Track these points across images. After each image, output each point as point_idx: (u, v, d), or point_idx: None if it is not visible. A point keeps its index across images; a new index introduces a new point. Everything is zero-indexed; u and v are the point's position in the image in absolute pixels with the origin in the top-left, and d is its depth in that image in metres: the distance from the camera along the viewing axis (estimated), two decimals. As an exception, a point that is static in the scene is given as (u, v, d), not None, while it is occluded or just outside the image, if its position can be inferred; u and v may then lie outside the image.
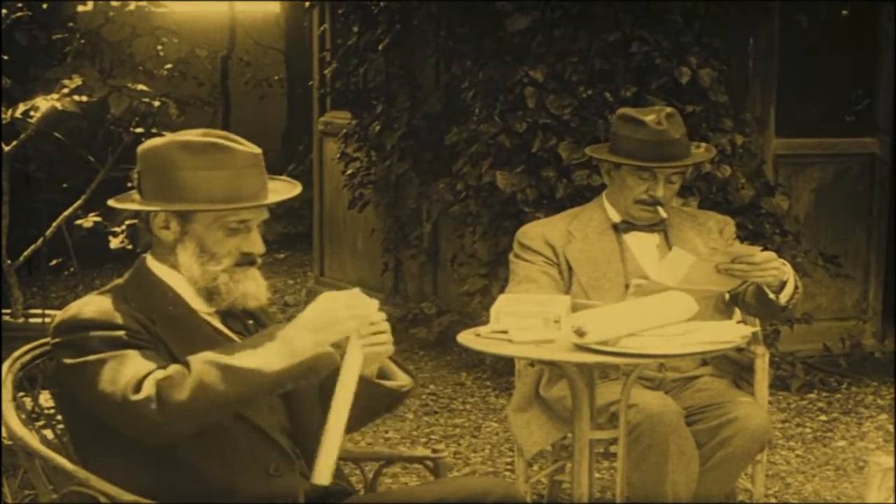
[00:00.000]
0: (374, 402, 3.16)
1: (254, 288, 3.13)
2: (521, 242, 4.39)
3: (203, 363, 2.83)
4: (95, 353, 2.89)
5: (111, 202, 3.16)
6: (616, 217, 4.39)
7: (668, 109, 4.42)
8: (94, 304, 2.99)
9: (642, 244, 4.38)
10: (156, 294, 3.07)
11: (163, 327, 3.01)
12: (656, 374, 4.29)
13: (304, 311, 2.97)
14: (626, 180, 4.34)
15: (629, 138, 4.32)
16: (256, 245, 3.11)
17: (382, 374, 3.21)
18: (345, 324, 2.94)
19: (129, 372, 2.83)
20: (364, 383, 3.05)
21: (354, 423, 3.09)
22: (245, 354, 2.86)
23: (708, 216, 4.57)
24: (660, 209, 4.33)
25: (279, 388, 2.91)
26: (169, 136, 3.11)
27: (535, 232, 4.41)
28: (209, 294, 3.09)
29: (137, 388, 2.80)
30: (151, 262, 3.12)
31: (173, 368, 2.83)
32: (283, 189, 3.16)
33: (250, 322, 3.21)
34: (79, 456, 3.07)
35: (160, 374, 2.82)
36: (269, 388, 2.89)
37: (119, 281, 3.13)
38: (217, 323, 3.12)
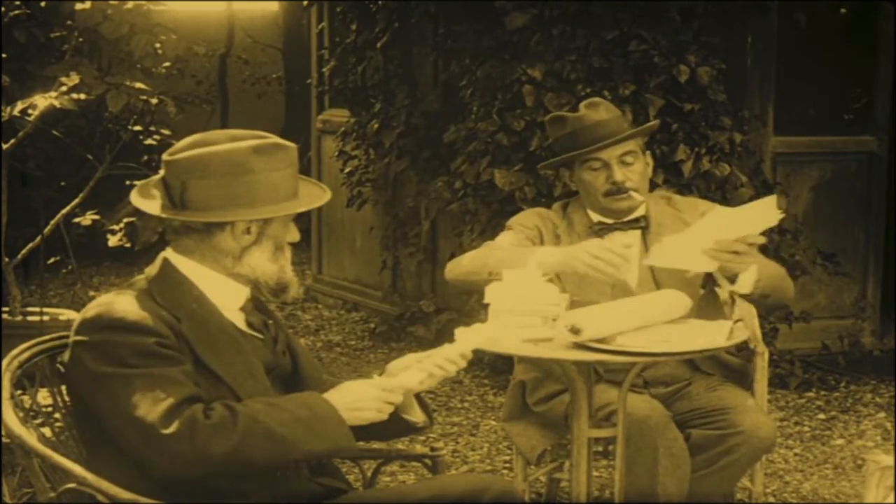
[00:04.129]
0: (379, 423, 3.17)
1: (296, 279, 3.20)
2: (511, 225, 4.37)
3: (249, 420, 2.83)
4: (125, 366, 2.86)
5: (147, 208, 3.07)
6: (595, 218, 4.33)
7: (592, 99, 4.38)
8: (122, 304, 2.96)
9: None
10: (181, 291, 3.05)
11: (188, 325, 2.99)
12: (642, 391, 4.26)
13: (341, 388, 3.02)
14: (583, 178, 4.29)
15: (559, 137, 4.31)
16: (295, 234, 3.18)
17: (402, 406, 3.21)
18: (368, 412, 2.98)
19: (159, 399, 2.80)
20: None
21: (356, 436, 3.12)
22: (286, 421, 2.87)
23: (691, 207, 4.41)
24: (634, 195, 4.23)
25: (298, 463, 2.98)
26: (217, 143, 3.05)
27: (527, 219, 4.38)
28: (282, 287, 3.13)
29: (168, 420, 2.78)
30: (177, 258, 3.10)
31: (219, 414, 2.82)
32: (306, 183, 3.21)
33: (270, 322, 3.22)
34: (86, 452, 3.08)
35: (201, 415, 2.81)
36: (293, 462, 2.96)
37: (140, 277, 3.10)
38: (241, 323, 3.13)
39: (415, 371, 3.09)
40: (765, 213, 3.81)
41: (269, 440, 2.83)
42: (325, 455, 2.95)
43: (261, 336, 3.16)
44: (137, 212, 3.15)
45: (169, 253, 3.11)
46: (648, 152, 4.39)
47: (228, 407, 2.84)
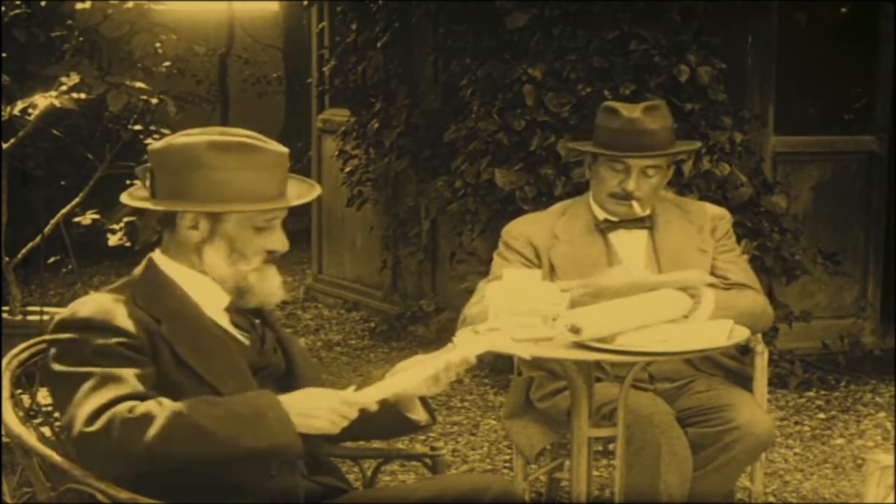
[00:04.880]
0: (380, 421, 3.15)
1: (276, 285, 3.14)
2: (505, 241, 4.37)
3: (174, 414, 2.77)
4: (82, 365, 2.86)
5: (126, 200, 3.11)
6: (601, 215, 4.34)
7: (654, 102, 4.37)
8: (93, 304, 2.97)
9: (628, 244, 4.32)
10: (163, 292, 3.05)
11: (169, 327, 2.98)
12: (647, 386, 4.27)
13: (301, 392, 2.93)
14: (601, 172, 4.29)
15: (604, 128, 4.29)
16: (281, 243, 3.12)
17: (404, 404, 3.21)
18: (319, 420, 2.88)
19: (97, 399, 2.79)
20: (382, 406, 3.06)
21: (350, 431, 3.10)
22: (220, 417, 2.80)
23: (702, 211, 4.46)
24: (635, 205, 4.25)
25: (238, 463, 2.87)
26: (190, 136, 3.06)
27: (519, 231, 4.37)
28: (240, 293, 3.09)
29: (93, 419, 2.76)
30: (161, 259, 3.11)
31: (143, 408, 2.78)
32: (303, 188, 3.17)
33: (257, 321, 3.20)
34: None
35: (124, 411, 2.77)
36: (226, 460, 2.84)
37: (129, 278, 3.11)
38: (225, 323, 3.11)
39: (412, 374, 3.06)
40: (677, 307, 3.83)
41: (193, 435, 2.76)
42: (264, 453, 2.84)
43: (247, 336, 3.14)
44: (137, 211, 3.14)
45: (155, 253, 3.13)
46: (674, 166, 4.39)
47: (159, 403, 2.80)
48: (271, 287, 3.12)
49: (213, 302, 3.10)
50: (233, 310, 3.13)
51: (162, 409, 2.78)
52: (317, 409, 2.88)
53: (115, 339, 2.89)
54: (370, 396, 2.96)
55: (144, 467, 2.80)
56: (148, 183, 3.05)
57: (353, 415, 2.92)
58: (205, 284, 3.08)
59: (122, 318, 2.94)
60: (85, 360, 2.87)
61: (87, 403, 2.79)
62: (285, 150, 3.12)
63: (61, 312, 3.01)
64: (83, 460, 2.84)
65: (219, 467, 2.87)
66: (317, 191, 3.19)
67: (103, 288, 3.11)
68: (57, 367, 2.91)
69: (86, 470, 2.84)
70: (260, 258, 3.09)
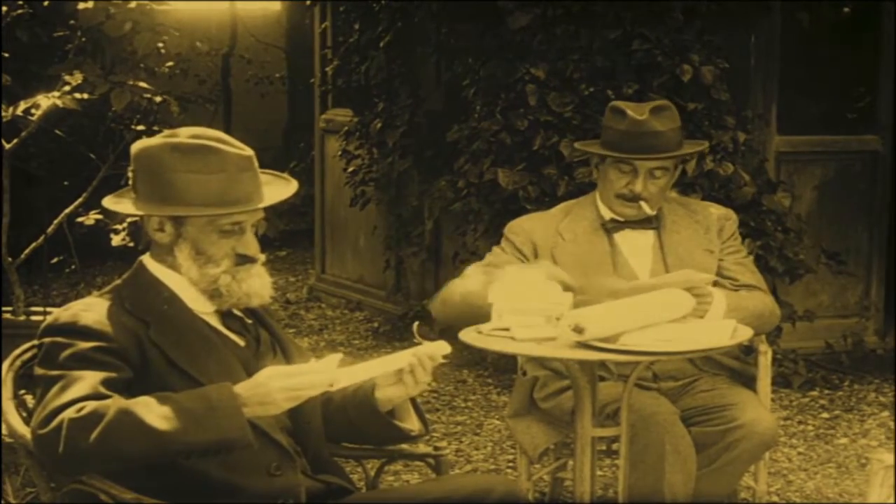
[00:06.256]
0: (371, 428, 3.18)
1: (258, 286, 3.11)
2: (506, 236, 4.37)
3: (119, 412, 2.77)
4: (56, 369, 2.87)
5: (106, 203, 3.14)
6: (607, 215, 4.34)
7: (661, 102, 4.36)
8: (76, 308, 2.99)
9: (634, 244, 4.32)
10: (151, 294, 3.06)
11: (157, 329, 2.99)
12: (651, 385, 4.27)
13: (246, 383, 2.89)
14: (608, 174, 4.29)
15: (611, 129, 4.28)
16: (251, 247, 3.09)
17: (397, 412, 3.22)
18: (276, 404, 2.88)
19: (56, 401, 2.80)
20: (372, 412, 3.11)
21: (342, 435, 3.09)
22: (166, 413, 2.79)
23: (708, 211, 4.46)
24: (643, 205, 4.25)
25: (185, 457, 2.86)
26: (161, 137, 3.09)
27: (522, 228, 4.36)
28: (211, 295, 3.08)
29: (48, 421, 2.78)
30: (149, 261, 3.12)
31: (91, 407, 2.77)
32: (277, 189, 3.14)
33: (250, 321, 3.20)
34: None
35: (73, 412, 2.77)
36: (175, 455, 2.84)
37: (118, 282, 3.13)
38: (215, 323, 3.11)
39: (377, 363, 3.05)
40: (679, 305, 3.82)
41: (138, 432, 2.75)
42: (214, 447, 2.82)
43: (240, 336, 3.14)
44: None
45: (145, 256, 3.13)
46: (682, 167, 4.38)
47: (112, 403, 2.79)
48: (250, 288, 3.09)
49: (202, 303, 3.10)
50: (223, 311, 3.12)
51: (108, 408, 2.77)
52: (268, 393, 2.86)
53: (89, 344, 2.90)
54: (332, 376, 2.92)
55: (93, 466, 2.83)
56: (131, 184, 3.09)
57: (311, 392, 2.89)
58: (190, 286, 3.08)
59: (102, 322, 2.94)
60: (58, 364, 2.89)
61: (46, 406, 2.82)
62: (249, 152, 3.09)
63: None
64: (41, 460, 2.88)
65: (169, 461, 2.86)
66: (290, 189, 3.17)
67: (95, 292, 3.11)
68: (37, 370, 2.94)
69: (49, 468, 2.90)
70: (229, 261, 3.07)
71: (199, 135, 3.06)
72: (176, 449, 2.80)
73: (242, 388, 2.86)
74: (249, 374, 3.02)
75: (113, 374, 2.88)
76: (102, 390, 2.83)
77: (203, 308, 3.10)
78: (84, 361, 2.88)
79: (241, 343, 3.14)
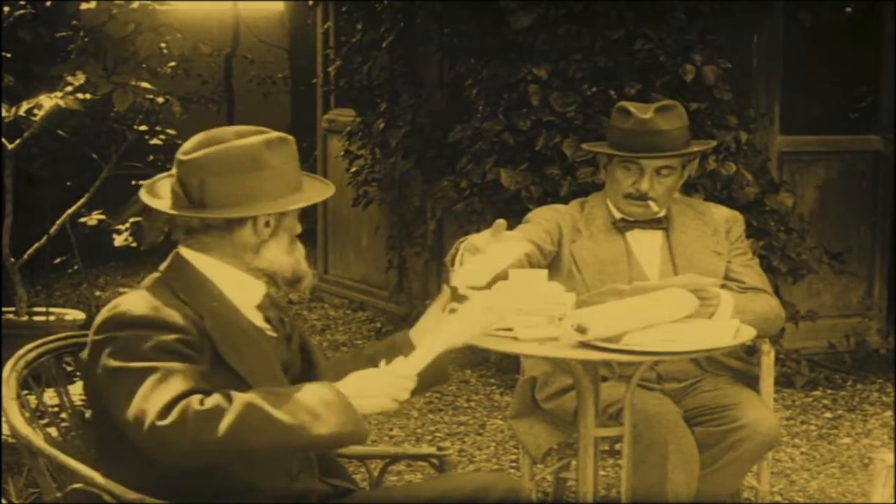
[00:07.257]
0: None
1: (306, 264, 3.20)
2: (529, 218, 4.36)
3: (248, 405, 2.79)
4: (142, 360, 2.85)
5: (210, 214, 3.04)
6: (617, 214, 4.34)
7: (668, 102, 4.36)
8: (145, 301, 2.95)
9: (644, 244, 4.33)
10: (201, 289, 3.04)
11: (210, 323, 2.98)
12: (654, 386, 4.27)
13: (353, 376, 2.96)
14: (615, 173, 4.29)
15: (617, 129, 4.29)
16: (299, 226, 3.18)
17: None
18: (379, 399, 2.94)
19: (165, 393, 2.79)
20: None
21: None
22: (292, 408, 2.82)
23: (716, 213, 4.45)
24: (651, 204, 4.25)
25: (308, 452, 2.94)
26: (227, 139, 3.04)
27: (549, 214, 4.36)
28: (296, 279, 3.13)
29: (166, 412, 2.77)
30: (195, 257, 3.07)
31: (213, 401, 2.78)
32: (313, 182, 3.22)
33: (286, 319, 3.22)
34: (96, 451, 3.08)
35: (196, 403, 2.77)
36: (301, 449, 2.93)
37: (156, 275, 3.07)
38: (258, 320, 3.12)
39: (449, 329, 3.12)
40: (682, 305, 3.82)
41: (267, 425, 2.78)
42: (333, 440, 2.86)
43: (277, 334, 3.15)
44: (143, 211, 3.12)
45: (184, 251, 3.09)
46: (689, 165, 4.37)
47: (226, 395, 2.80)
48: (309, 269, 3.19)
49: (247, 299, 3.10)
50: (265, 307, 3.14)
51: (231, 401, 2.79)
52: (374, 389, 2.92)
53: (172, 336, 2.89)
54: (418, 361, 3.01)
55: (218, 458, 2.84)
56: (186, 191, 3.01)
57: (411, 384, 2.97)
58: (240, 281, 3.08)
59: (177, 314, 2.93)
60: (142, 356, 2.86)
61: (155, 398, 2.79)
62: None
63: (107, 310, 2.97)
64: (155, 453, 2.82)
65: (287, 454, 2.95)
66: (312, 176, 3.26)
67: (123, 287, 3.10)
68: (114, 363, 2.88)
69: (158, 460, 2.83)
70: (299, 243, 3.16)
71: (261, 130, 3.09)
72: (302, 443, 2.84)
73: (340, 385, 2.92)
74: (287, 372, 3.07)
75: (197, 367, 2.89)
76: (203, 383, 2.85)
77: (248, 305, 3.10)
78: (169, 353, 2.87)
79: (278, 341, 3.15)
